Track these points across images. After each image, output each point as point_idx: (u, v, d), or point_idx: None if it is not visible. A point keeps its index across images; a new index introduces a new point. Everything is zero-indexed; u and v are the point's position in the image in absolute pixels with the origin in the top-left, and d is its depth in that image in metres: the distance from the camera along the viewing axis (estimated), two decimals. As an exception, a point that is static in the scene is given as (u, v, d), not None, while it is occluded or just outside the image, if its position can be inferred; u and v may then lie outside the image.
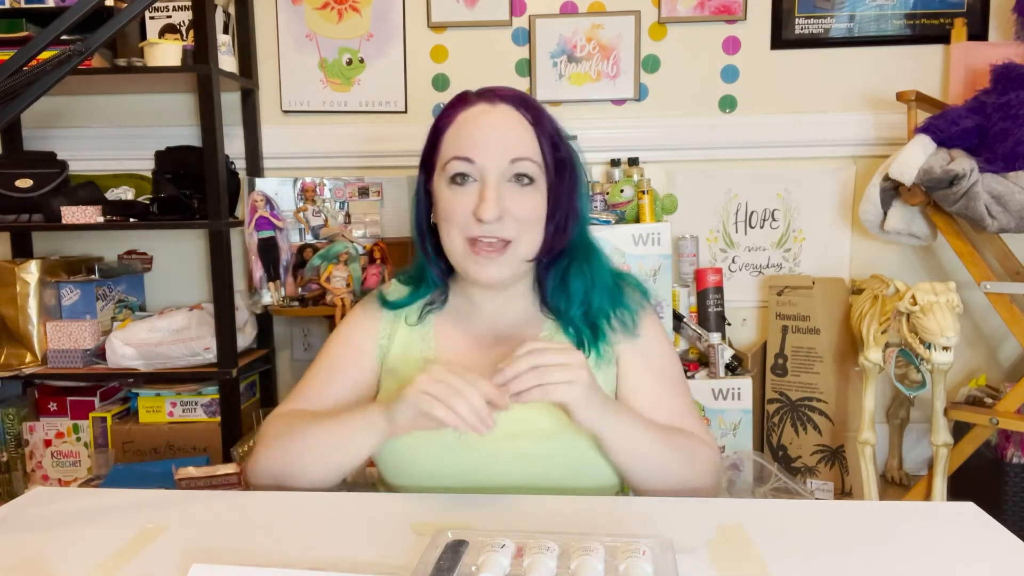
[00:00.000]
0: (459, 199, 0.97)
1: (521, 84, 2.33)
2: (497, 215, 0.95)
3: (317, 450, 0.96)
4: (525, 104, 1.00)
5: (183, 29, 2.28)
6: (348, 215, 2.34)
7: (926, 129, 1.94)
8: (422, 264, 1.08)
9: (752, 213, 2.35)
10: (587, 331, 1.03)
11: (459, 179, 0.97)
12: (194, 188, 2.19)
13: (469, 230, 0.97)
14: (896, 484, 2.28)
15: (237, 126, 2.37)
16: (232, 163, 2.35)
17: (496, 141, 0.97)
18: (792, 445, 2.21)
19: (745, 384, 2.05)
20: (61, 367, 2.15)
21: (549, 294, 1.05)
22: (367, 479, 1.06)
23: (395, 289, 1.13)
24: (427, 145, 1.04)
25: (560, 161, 1.01)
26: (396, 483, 1.00)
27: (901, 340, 1.86)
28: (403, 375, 1.03)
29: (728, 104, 2.32)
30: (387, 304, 1.09)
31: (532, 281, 1.07)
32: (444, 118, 1.01)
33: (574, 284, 1.03)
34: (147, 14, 2.26)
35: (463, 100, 1.01)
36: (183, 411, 2.19)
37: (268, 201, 2.24)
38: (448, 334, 1.07)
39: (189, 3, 2.23)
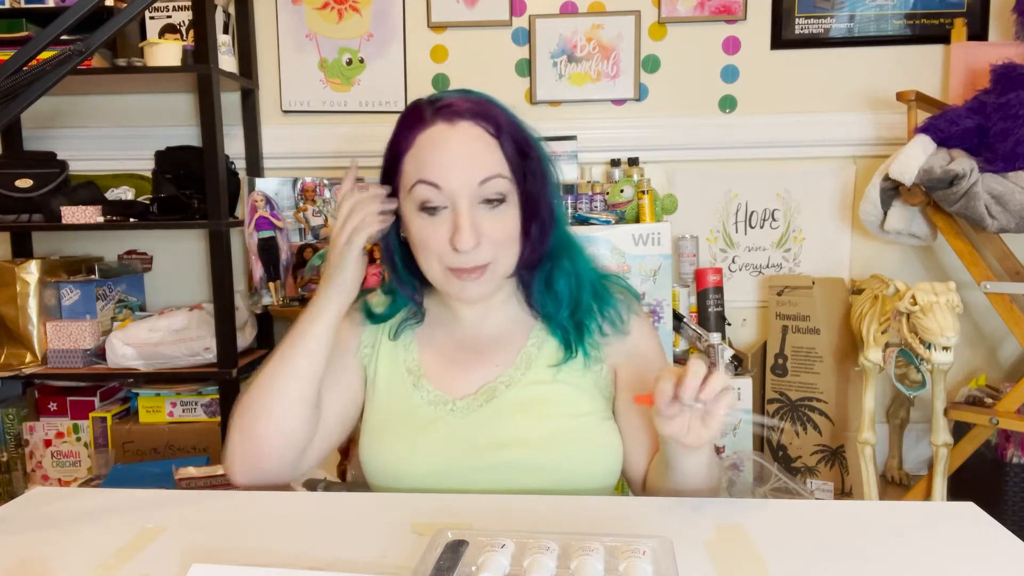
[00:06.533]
0: (433, 228, 0.93)
1: (521, 84, 2.34)
2: (475, 244, 0.92)
3: (279, 372, 0.95)
4: (484, 116, 0.94)
5: (183, 29, 2.28)
6: (348, 215, 2.34)
7: (926, 129, 1.94)
8: (397, 287, 1.04)
9: (752, 213, 2.35)
10: (573, 331, 1.00)
11: (429, 209, 0.93)
12: (194, 188, 2.20)
13: (447, 260, 0.94)
14: (896, 484, 2.28)
15: (237, 126, 2.37)
16: (232, 163, 2.35)
17: (461, 165, 0.92)
18: (792, 445, 2.21)
19: (745, 384, 2.05)
20: (61, 367, 2.15)
21: (536, 298, 1.02)
22: (366, 479, 1.06)
23: (379, 301, 1.09)
24: (386, 165, 0.99)
25: (530, 168, 0.96)
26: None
27: (901, 340, 1.86)
28: (390, 391, 1.02)
29: (728, 104, 2.32)
30: (370, 317, 1.07)
31: (515, 284, 1.05)
32: (401, 140, 0.96)
33: (560, 285, 1.01)
34: (147, 14, 2.26)
35: (419, 118, 0.95)
36: (183, 411, 2.19)
37: (268, 201, 2.24)
38: (431, 344, 1.04)
39: (189, 3, 2.23)
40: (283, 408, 0.95)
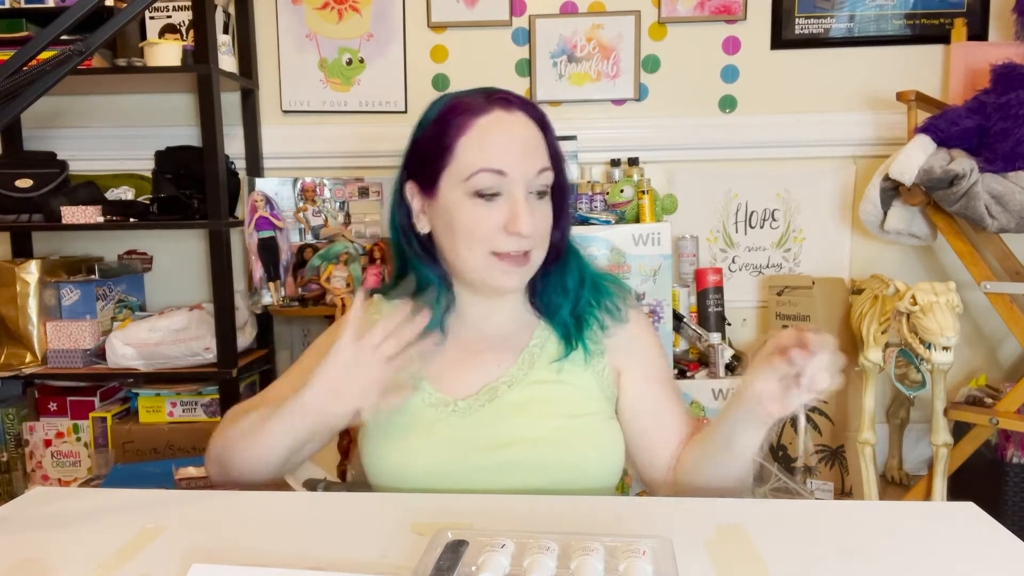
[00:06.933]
0: (486, 214, 0.93)
1: (521, 84, 2.34)
2: (533, 228, 0.94)
3: (247, 435, 0.94)
4: (533, 109, 0.97)
5: (183, 29, 2.28)
6: (348, 215, 2.34)
7: (926, 129, 1.94)
8: (417, 274, 1.03)
9: (752, 213, 2.35)
10: (573, 326, 1.02)
11: (487, 196, 0.93)
12: (194, 188, 2.20)
13: (497, 244, 0.94)
14: (896, 484, 2.28)
15: (237, 126, 2.37)
16: (232, 163, 2.35)
17: (522, 152, 0.94)
18: (792, 445, 2.21)
19: (745, 384, 2.05)
20: (61, 367, 2.15)
21: (545, 295, 1.03)
22: (367, 479, 1.06)
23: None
24: (429, 153, 0.96)
25: (560, 165, 1.00)
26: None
27: (901, 340, 1.86)
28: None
29: (728, 104, 2.32)
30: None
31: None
32: (453, 125, 0.94)
33: (570, 281, 1.03)
34: (147, 14, 2.26)
35: (468, 106, 0.95)
36: (183, 411, 2.19)
37: (268, 201, 2.24)
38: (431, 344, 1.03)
39: (189, 3, 2.23)
40: (256, 473, 0.95)
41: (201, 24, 2.02)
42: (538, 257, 0.98)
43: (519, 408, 0.98)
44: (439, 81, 2.35)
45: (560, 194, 1.00)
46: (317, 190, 2.32)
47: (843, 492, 2.17)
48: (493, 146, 0.93)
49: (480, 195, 0.93)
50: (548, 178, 0.96)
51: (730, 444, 0.90)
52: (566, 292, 1.03)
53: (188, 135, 2.38)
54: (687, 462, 0.98)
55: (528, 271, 0.98)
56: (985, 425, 1.87)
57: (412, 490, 0.96)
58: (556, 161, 0.99)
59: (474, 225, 0.94)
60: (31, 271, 2.16)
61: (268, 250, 2.24)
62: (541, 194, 0.96)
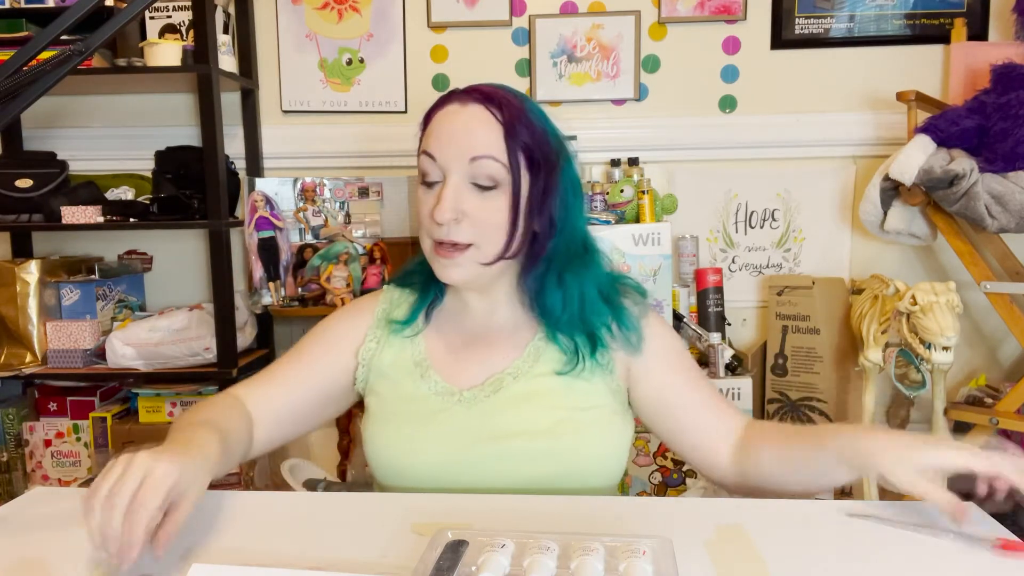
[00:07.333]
0: (424, 199, 0.98)
1: (521, 84, 2.33)
2: (451, 217, 0.93)
3: None
4: (498, 103, 0.96)
5: (183, 29, 2.28)
6: (348, 215, 2.34)
7: (926, 129, 1.94)
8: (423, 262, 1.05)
9: (752, 213, 2.35)
10: (585, 340, 1.00)
11: (427, 183, 0.97)
12: (194, 188, 2.19)
13: (432, 232, 0.96)
14: (896, 484, 2.28)
15: (237, 126, 2.37)
16: (232, 163, 2.35)
17: (457, 139, 0.95)
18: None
19: (745, 384, 2.05)
20: (61, 367, 2.15)
21: (542, 309, 1.02)
22: (367, 479, 1.06)
23: (399, 299, 1.09)
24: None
25: (536, 168, 0.96)
26: (391, 486, 1.00)
27: (901, 340, 1.86)
28: (396, 382, 1.02)
29: (728, 104, 2.32)
30: (394, 326, 1.05)
31: (515, 284, 1.04)
32: (427, 116, 1.01)
33: (552, 298, 1.00)
34: (147, 14, 2.26)
35: (444, 99, 1.00)
36: (183, 411, 2.18)
37: (268, 201, 2.24)
38: (439, 335, 1.05)
39: (189, 3, 2.23)
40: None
41: (201, 24, 2.02)
42: (483, 253, 0.96)
43: (524, 400, 0.98)
44: (439, 81, 2.35)
45: (529, 193, 0.96)
46: (317, 190, 2.32)
47: (843, 492, 2.17)
48: (432, 132, 0.98)
49: (424, 182, 0.98)
50: (489, 168, 0.94)
51: (822, 472, 0.92)
52: (547, 309, 1.00)
53: (188, 135, 2.38)
54: (765, 463, 0.96)
55: (468, 264, 0.96)
56: (985, 425, 1.87)
57: (415, 479, 0.97)
58: (523, 159, 0.95)
59: (419, 211, 0.99)
60: (31, 271, 2.16)
61: (268, 250, 2.24)
62: (486, 187, 0.95)
